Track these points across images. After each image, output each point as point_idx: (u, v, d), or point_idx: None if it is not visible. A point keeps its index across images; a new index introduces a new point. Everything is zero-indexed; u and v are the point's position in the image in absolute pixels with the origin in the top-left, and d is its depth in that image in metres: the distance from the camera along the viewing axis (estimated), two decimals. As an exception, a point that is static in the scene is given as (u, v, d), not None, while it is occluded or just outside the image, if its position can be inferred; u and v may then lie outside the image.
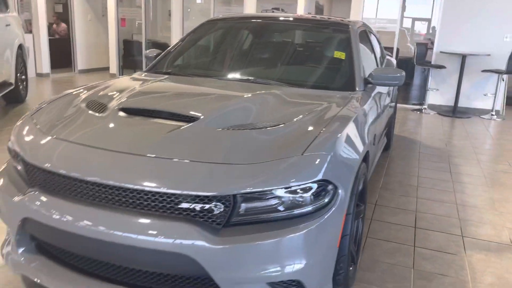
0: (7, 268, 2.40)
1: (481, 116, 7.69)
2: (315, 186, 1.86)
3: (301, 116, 2.27)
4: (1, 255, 2.31)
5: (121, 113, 2.28)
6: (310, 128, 2.14)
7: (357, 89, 2.88)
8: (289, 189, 1.82)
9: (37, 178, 2.04)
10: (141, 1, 10.15)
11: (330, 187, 1.90)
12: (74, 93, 2.71)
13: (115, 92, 2.63)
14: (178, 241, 1.73)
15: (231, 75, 3.15)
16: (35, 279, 2.08)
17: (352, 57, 3.11)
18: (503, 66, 7.48)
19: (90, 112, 2.37)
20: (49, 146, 2.09)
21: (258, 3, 9.31)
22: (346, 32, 3.34)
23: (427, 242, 2.98)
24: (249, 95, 2.55)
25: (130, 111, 2.29)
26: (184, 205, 1.79)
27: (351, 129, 2.24)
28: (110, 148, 1.98)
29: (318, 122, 2.20)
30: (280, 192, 1.81)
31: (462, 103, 7.93)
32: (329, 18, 3.66)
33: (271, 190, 1.80)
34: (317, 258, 1.87)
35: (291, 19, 3.67)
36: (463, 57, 7.63)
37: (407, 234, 3.08)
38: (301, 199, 1.84)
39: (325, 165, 1.90)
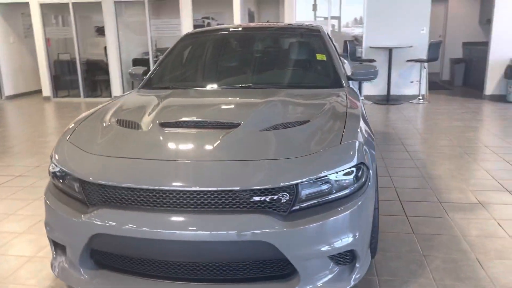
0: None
1: (410, 101, 8.59)
2: (355, 168, 2.19)
3: (319, 112, 2.60)
4: (55, 273, 2.38)
5: (164, 128, 2.44)
6: (334, 121, 2.48)
7: (344, 85, 3.28)
8: (337, 173, 2.14)
9: (103, 195, 2.15)
10: (71, 19, 9.86)
11: (364, 168, 2.25)
12: (96, 114, 2.79)
13: (137, 110, 2.78)
14: (257, 230, 1.97)
15: (230, 84, 3.39)
16: None
17: (332, 58, 3.52)
18: (424, 56, 8.43)
19: (127, 129, 2.50)
20: (112, 164, 2.21)
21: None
22: (319, 36, 3.74)
23: (415, 211, 3.46)
24: (269, 99, 2.83)
25: (170, 125, 2.47)
26: (256, 198, 2.03)
27: (363, 120, 2.61)
28: (174, 159, 2.17)
29: (337, 116, 2.54)
30: (331, 177, 2.12)
31: (393, 91, 8.80)
32: (299, 24, 4.04)
33: (324, 176, 2.10)
34: (362, 229, 2.20)
35: (268, 28, 4.00)
36: (390, 50, 8.49)
37: (396, 207, 3.54)
38: (347, 181, 2.16)
39: (359, 151, 2.25)
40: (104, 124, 2.60)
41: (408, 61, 8.55)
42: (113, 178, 2.14)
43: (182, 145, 2.30)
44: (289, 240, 2.01)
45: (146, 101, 2.99)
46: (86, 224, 2.12)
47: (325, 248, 2.08)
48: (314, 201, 2.10)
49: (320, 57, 3.58)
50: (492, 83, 8.68)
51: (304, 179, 2.06)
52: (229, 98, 3.05)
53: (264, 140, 2.29)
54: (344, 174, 2.16)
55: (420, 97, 8.61)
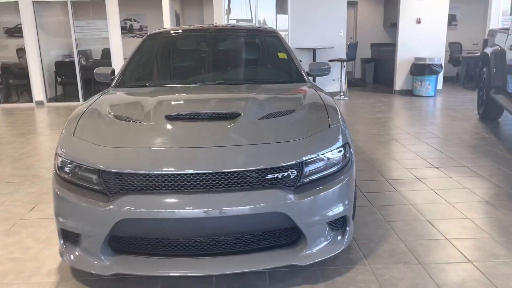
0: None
1: (334, 98, 9.35)
2: (342, 148, 2.61)
3: (300, 103, 2.98)
4: (66, 262, 2.49)
5: (171, 120, 2.64)
6: (316, 110, 2.88)
7: (306, 80, 3.71)
8: (332, 151, 2.54)
9: (125, 183, 2.32)
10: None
11: (348, 147, 2.67)
12: (89, 112, 2.88)
13: (133, 105, 2.94)
14: (274, 203, 2.30)
15: (207, 81, 3.63)
16: (128, 272, 2.36)
17: (291, 57, 3.94)
18: (343, 55, 9.27)
19: (134, 123, 2.66)
20: (132, 155, 2.39)
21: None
22: (276, 37, 4.13)
23: (368, 188, 4.01)
24: (253, 93, 3.17)
25: (175, 117, 2.68)
26: (270, 176, 2.36)
27: (338, 108, 3.05)
28: (194, 145, 2.40)
29: (317, 106, 2.94)
30: (327, 155, 2.51)
31: (318, 89, 9.53)
32: (254, 27, 4.40)
33: (322, 154, 2.49)
34: (350, 198, 2.62)
35: (229, 29, 4.29)
36: (313, 50, 9.20)
37: (352, 186, 4.06)
38: (337, 158, 2.57)
39: (344, 133, 2.67)
40: (107, 120, 2.73)
41: (330, 60, 9.32)
42: (138, 166, 2.32)
43: (195, 134, 2.53)
44: (299, 209, 2.36)
45: (135, 97, 3.15)
46: (111, 212, 2.27)
47: (326, 215, 2.46)
48: (314, 176, 2.48)
49: (281, 55, 3.97)
50: (400, 80, 9.81)
51: (308, 157, 2.43)
52: (215, 93, 3.31)
53: (265, 127, 2.62)
54: (336, 152, 2.56)
55: (342, 94, 9.44)
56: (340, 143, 2.59)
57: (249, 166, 2.33)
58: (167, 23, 9.33)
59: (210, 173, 2.30)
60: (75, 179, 2.46)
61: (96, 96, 3.31)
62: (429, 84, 9.33)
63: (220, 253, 2.45)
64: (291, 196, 2.35)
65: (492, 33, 7.27)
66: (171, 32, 4.21)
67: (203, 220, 2.27)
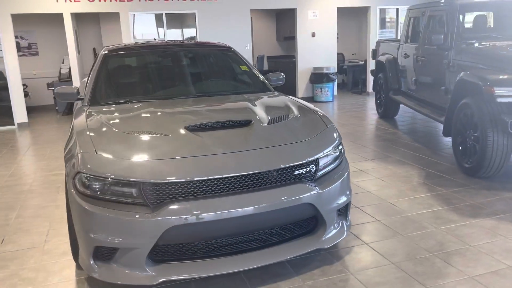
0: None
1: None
2: (340, 144, 3.03)
3: (289, 109, 3.33)
4: (101, 278, 2.50)
5: (191, 131, 2.78)
6: (307, 113, 3.25)
7: (271, 89, 4.08)
8: (337, 148, 2.94)
9: (168, 193, 2.43)
10: None
11: (342, 143, 3.11)
12: (94, 127, 2.89)
13: (137, 121, 3.01)
14: (303, 196, 2.62)
15: (186, 94, 3.74)
16: (173, 278, 2.47)
17: (251, 69, 4.27)
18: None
19: (155, 136, 2.74)
20: (171, 165, 2.49)
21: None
22: (233, 52, 4.43)
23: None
24: (244, 102, 3.46)
25: (194, 128, 2.82)
26: (296, 172, 2.67)
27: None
28: (225, 151, 2.59)
29: (304, 110, 3.32)
30: (331, 151, 2.91)
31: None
32: (208, 42, 4.63)
33: (330, 150, 2.88)
34: (350, 188, 3.05)
35: (190, 45, 4.43)
36: (224, 64, 9.58)
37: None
38: (337, 153, 2.98)
39: (337, 131, 3.10)
40: (123, 135, 2.76)
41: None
42: (179, 175, 2.44)
43: (221, 141, 2.72)
44: (321, 199, 2.71)
45: (132, 113, 3.19)
46: (159, 221, 2.37)
47: (339, 202, 2.85)
48: (324, 170, 2.85)
49: (244, 68, 4.28)
50: (301, 88, 10.73)
51: (322, 153, 2.80)
52: (208, 104, 3.48)
53: (276, 130, 2.92)
54: (337, 148, 2.97)
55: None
56: (339, 140, 3.01)
57: (280, 164, 2.61)
58: (71, 41, 8.90)
59: (246, 175, 2.53)
60: (107, 195, 2.48)
61: (80, 115, 3.26)
62: (327, 91, 10.38)
63: (251, 248, 2.67)
64: (315, 188, 2.69)
65: (380, 44, 8.49)
66: (132, 48, 4.23)
67: (243, 218, 2.48)
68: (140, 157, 2.55)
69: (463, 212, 3.64)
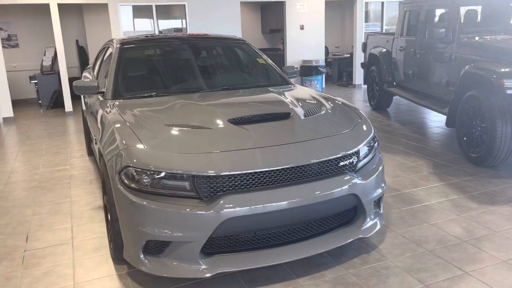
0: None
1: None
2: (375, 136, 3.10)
3: (319, 101, 3.37)
4: (155, 271, 2.49)
5: (235, 124, 2.80)
6: (339, 106, 3.31)
7: (290, 82, 4.11)
8: (374, 138, 3.01)
9: (221, 185, 2.45)
10: None
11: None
12: (133, 121, 2.88)
13: (176, 115, 3.00)
14: (349, 186, 2.67)
15: (209, 87, 3.74)
16: (226, 270, 2.48)
17: (267, 61, 4.29)
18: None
19: (200, 130, 2.74)
20: (223, 158, 2.50)
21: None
22: (248, 44, 4.43)
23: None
24: (276, 95, 3.50)
25: (237, 121, 2.83)
26: (342, 163, 2.72)
27: None
28: (273, 144, 2.61)
29: (334, 102, 3.38)
30: (369, 142, 2.97)
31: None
32: (226, 35, 4.61)
33: (368, 141, 2.94)
34: (384, 180, 3.12)
35: (206, 38, 4.39)
36: (215, 56, 9.53)
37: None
38: (373, 144, 3.04)
39: (371, 123, 3.17)
40: (167, 129, 2.75)
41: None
42: (233, 168, 2.45)
43: (268, 134, 2.73)
44: (364, 189, 2.77)
45: (165, 106, 3.17)
46: (215, 214, 2.37)
47: (377, 193, 2.92)
48: (363, 161, 2.92)
49: (261, 61, 4.29)
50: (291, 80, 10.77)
51: (363, 144, 2.87)
52: (239, 97, 3.49)
53: (316, 123, 2.96)
54: (373, 140, 3.04)
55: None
56: (374, 131, 3.07)
57: (328, 156, 2.66)
58: (58, 33, 8.64)
59: (295, 167, 2.57)
60: (158, 188, 2.46)
61: (109, 108, 3.22)
62: (317, 83, 10.49)
63: (296, 239, 2.71)
64: (359, 179, 2.75)
65: (370, 37, 8.63)
66: (148, 41, 4.17)
67: (293, 210, 2.52)
68: (192, 150, 2.54)
69: (480, 200, 3.79)
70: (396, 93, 7.14)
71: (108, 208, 3.08)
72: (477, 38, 5.11)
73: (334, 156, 2.68)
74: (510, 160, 4.82)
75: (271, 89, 3.75)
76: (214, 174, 2.42)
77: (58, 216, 3.79)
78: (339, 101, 3.42)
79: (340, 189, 2.64)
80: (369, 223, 2.90)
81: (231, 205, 2.40)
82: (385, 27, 11.67)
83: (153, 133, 2.73)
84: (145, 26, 9.65)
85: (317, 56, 10.75)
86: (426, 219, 3.46)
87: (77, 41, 11.35)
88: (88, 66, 6.21)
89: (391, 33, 8.50)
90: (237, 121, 2.85)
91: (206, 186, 2.45)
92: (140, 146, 2.58)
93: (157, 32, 9.79)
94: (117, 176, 2.57)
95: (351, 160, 2.79)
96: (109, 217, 3.13)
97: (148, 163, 2.47)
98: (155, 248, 2.53)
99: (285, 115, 2.99)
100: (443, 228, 3.28)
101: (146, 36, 4.34)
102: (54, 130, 7.45)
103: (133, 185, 2.51)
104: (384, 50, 7.70)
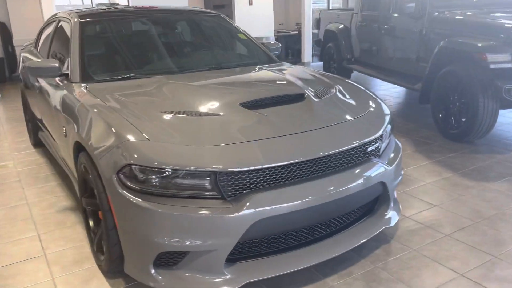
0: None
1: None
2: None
3: (321, 81, 3.07)
4: (163, 285, 2.11)
5: (248, 108, 2.41)
6: (350, 86, 3.03)
7: (277, 60, 3.76)
8: (389, 122, 2.76)
9: (242, 182, 2.08)
10: None
11: None
12: (122, 109, 2.38)
13: (176, 99, 2.55)
14: (379, 174, 2.42)
15: (194, 66, 3.29)
16: (254, 279, 2.14)
17: (249, 37, 3.89)
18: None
19: (208, 117, 2.33)
20: (246, 150, 2.11)
21: None
22: (222, 18, 3.99)
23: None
24: (278, 74, 3.17)
25: (250, 105, 2.45)
26: (369, 149, 2.45)
27: None
28: (297, 132, 2.28)
29: (343, 82, 3.09)
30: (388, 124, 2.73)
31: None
32: (198, 8, 4.11)
33: (389, 122, 2.69)
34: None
35: (176, 10, 3.86)
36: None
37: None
38: (389, 128, 2.80)
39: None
40: (167, 117, 2.31)
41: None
42: (261, 161, 2.09)
43: (288, 119, 2.38)
44: (390, 176, 2.54)
45: (153, 89, 2.72)
46: (243, 217, 2.01)
47: (398, 179, 2.70)
48: (384, 145, 2.67)
49: (242, 36, 3.88)
50: (240, 59, 10.37)
51: (385, 125, 2.62)
52: (236, 77, 3.08)
53: (332, 105, 2.66)
54: (390, 124, 2.79)
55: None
56: (390, 114, 2.83)
57: (358, 140, 2.37)
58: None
59: (326, 156, 2.25)
60: (171, 189, 2.04)
61: (83, 94, 2.69)
62: (268, 61, 10.17)
63: (322, 237, 2.42)
64: (385, 165, 2.50)
65: (324, 13, 8.45)
66: (111, 14, 3.57)
67: (327, 205, 2.22)
68: (208, 142, 2.13)
69: (473, 177, 3.74)
70: (358, 70, 7.03)
71: (90, 212, 2.61)
72: (448, 13, 5.06)
73: (364, 141, 2.40)
74: (487, 136, 4.88)
75: (264, 68, 3.38)
76: (241, 169, 2.04)
77: (17, 223, 3.19)
78: (343, 80, 3.14)
79: (371, 177, 2.37)
80: (391, 212, 2.68)
81: (261, 205, 2.04)
82: (331, 4, 11.59)
83: (152, 122, 2.28)
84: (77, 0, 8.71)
85: (267, 33, 10.40)
86: (430, 200, 3.33)
87: (-4, 16, 10.03)
88: (26, 44, 5.39)
89: (348, 8, 8.37)
90: (251, 105, 2.47)
91: (230, 184, 2.07)
92: (142, 139, 2.13)
93: (94, 6, 8.88)
94: (115, 176, 2.10)
95: (376, 145, 2.53)
96: (91, 223, 2.66)
97: (156, 159, 2.03)
98: (168, 260, 2.12)
99: (299, 97, 2.65)
100: (451, 210, 3.16)
101: (109, 9, 3.74)
102: (-17, 118, 6.50)
103: (137, 187, 2.06)
104: (342, 26, 7.55)
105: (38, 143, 4.86)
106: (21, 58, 5.13)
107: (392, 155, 2.66)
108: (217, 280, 2.09)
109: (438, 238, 2.80)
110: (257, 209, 2.02)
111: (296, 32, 11.71)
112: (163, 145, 2.10)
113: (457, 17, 4.87)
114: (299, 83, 2.92)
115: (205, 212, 1.99)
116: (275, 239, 2.25)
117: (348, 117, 2.54)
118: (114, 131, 2.21)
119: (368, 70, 6.71)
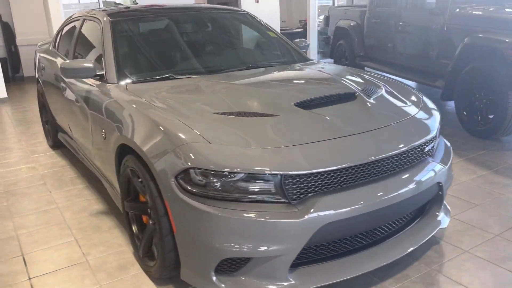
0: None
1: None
2: None
3: (366, 79, 3.00)
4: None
5: (304, 108, 2.35)
6: (390, 83, 2.96)
7: (309, 58, 3.69)
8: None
9: (307, 185, 2.01)
10: None
11: None
12: (175, 111, 2.32)
13: (225, 100, 2.48)
14: (436, 174, 2.36)
15: (233, 65, 3.21)
16: (319, 285, 2.07)
17: (279, 35, 3.83)
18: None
19: (263, 118, 2.25)
20: (311, 152, 2.05)
21: None
22: (251, 15, 3.92)
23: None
24: (323, 73, 3.12)
25: (305, 105, 2.38)
26: (427, 148, 2.39)
27: None
28: (359, 132, 2.21)
29: (388, 81, 3.02)
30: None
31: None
32: (222, 6, 4.03)
33: (440, 121, 2.63)
34: None
35: (205, 8, 3.77)
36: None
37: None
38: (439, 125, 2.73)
39: None
40: (224, 118, 2.24)
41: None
42: (330, 162, 2.02)
43: (348, 119, 2.31)
44: (445, 176, 2.48)
45: (197, 89, 2.67)
46: (311, 221, 1.94)
47: (450, 180, 2.64)
48: (434, 144, 2.61)
49: (272, 34, 3.80)
50: (246, 57, 10.29)
51: (438, 124, 2.56)
52: (279, 76, 3.02)
53: (385, 103, 2.60)
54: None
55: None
56: (439, 112, 2.76)
57: (418, 140, 2.31)
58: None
59: (389, 156, 2.19)
60: (234, 193, 1.97)
61: (127, 95, 2.62)
62: (275, 59, 10.10)
63: (380, 239, 2.35)
64: (442, 164, 2.44)
65: (333, 10, 8.40)
66: (142, 13, 3.48)
67: (391, 207, 2.16)
68: (270, 143, 2.06)
69: (508, 174, 3.70)
70: (371, 67, 6.97)
71: (133, 216, 2.54)
72: (470, 9, 5.01)
73: (423, 140, 2.34)
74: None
75: (304, 66, 3.31)
76: (308, 172, 1.97)
77: (52, 228, 3.10)
78: (386, 78, 3.07)
79: (431, 177, 2.31)
80: (443, 212, 2.63)
81: (327, 208, 1.97)
82: (336, 1, 11.54)
83: (207, 123, 2.20)
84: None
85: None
86: (470, 199, 3.28)
87: None
88: (40, 44, 5.27)
89: (359, 5, 8.32)
90: (305, 105, 2.40)
91: (295, 187, 2.00)
92: (202, 141, 2.05)
93: (101, 5, 8.77)
94: (174, 180, 2.03)
95: (432, 144, 2.47)
96: (134, 228, 2.59)
97: (219, 162, 1.96)
98: (230, 266, 2.05)
99: (350, 96, 2.59)
100: (494, 209, 3.12)
101: (138, 8, 3.65)
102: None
103: (198, 191, 1.99)
104: (354, 23, 7.49)
105: (57, 145, 4.76)
106: (37, 59, 5.02)
107: (443, 154, 2.59)
108: (281, 286, 2.02)
109: (488, 239, 2.75)
110: (324, 213, 1.96)
111: (301, 29, 11.65)
112: (225, 147, 2.03)
113: (480, 13, 4.82)
114: (345, 81, 2.85)
115: (270, 217, 1.92)
116: (335, 243, 2.18)
117: (405, 116, 2.47)
118: (170, 133, 2.13)
119: (383, 66, 6.66)
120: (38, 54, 4.98)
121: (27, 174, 4.15)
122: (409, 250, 2.32)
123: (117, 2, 9.49)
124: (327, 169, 2.00)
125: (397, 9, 6.25)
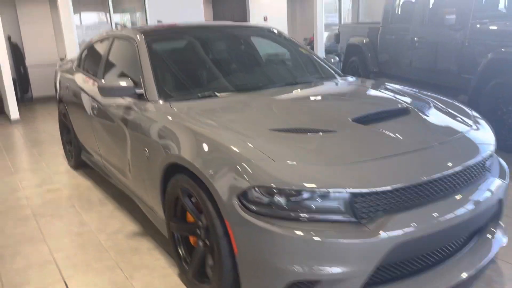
0: None
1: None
2: None
3: (408, 94, 2.96)
4: None
5: (363, 124, 2.29)
6: (434, 97, 2.93)
7: (342, 73, 3.67)
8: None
9: (380, 202, 1.94)
10: None
11: None
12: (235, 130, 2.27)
13: (277, 117, 2.43)
14: (499, 190, 2.29)
15: (271, 83, 3.19)
16: None
17: (309, 51, 3.81)
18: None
19: (322, 134, 2.20)
20: (378, 168, 1.98)
21: None
22: (281, 33, 3.91)
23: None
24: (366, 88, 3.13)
25: (363, 120, 2.33)
26: (488, 162, 2.34)
27: None
28: (424, 147, 2.15)
29: (417, 91, 3.00)
30: (491, 136, 2.62)
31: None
32: (250, 24, 4.02)
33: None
34: None
35: (235, 26, 3.77)
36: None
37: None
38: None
39: None
40: (287, 135, 2.18)
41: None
42: (399, 179, 1.95)
43: (407, 134, 2.25)
44: (505, 192, 2.40)
45: (245, 106, 2.62)
46: (383, 241, 1.87)
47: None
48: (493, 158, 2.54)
49: (304, 51, 3.79)
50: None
51: (493, 138, 2.50)
52: (323, 92, 3.01)
53: (438, 118, 2.55)
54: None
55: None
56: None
57: (480, 155, 2.26)
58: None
59: (455, 173, 2.13)
60: (300, 212, 1.89)
61: (172, 114, 2.57)
62: (284, 77, 10.13)
63: (443, 257, 2.26)
64: (503, 180, 2.38)
65: (344, 28, 8.45)
66: (175, 31, 3.48)
67: (461, 224, 2.09)
68: (335, 161, 2.00)
69: (547, 189, 3.63)
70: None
71: (179, 238, 2.47)
72: (491, 24, 5.02)
73: (485, 154, 2.29)
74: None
75: (344, 81, 3.29)
76: (380, 190, 1.90)
77: (88, 250, 3.00)
78: (430, 94, 3.04)
79: (494, 193, 2.25)
80: (499, 229, 2.55)
81: (398, 227, 1.90)
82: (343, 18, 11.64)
83: (265, 140, 2.14)
84: (93, 19, 8.62)
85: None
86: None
87: (9, 37, 9.90)
88: (60, 64, 5.24)
89: (370, 22, 8.38)
90: (363, 120, 2.35)
91: (365, 206, 1.93)
92: (265, 158, 1.99)
93: (113, 26, 8.81)
94: (236, 200, 1.96)
95: (491, 159, 2.42)
96: (180, 250, 2.51)
97: (285, 180, 1.89)
98: None
99: (403, 111, 2.54)
100: (542, 224, 3.05)
101: (172, 27, 3.64)
102: (7, 142, 6.29)
103: (262, 210, 1.92)
104: (367, 39, 7.52)
105: (79, 165, 4.68)
106: (58, 79, 4.98)
107: (499, 170, 2.53)
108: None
109: (543, 254, 2.68)
110: (395, 233, 1.88)
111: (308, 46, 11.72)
112: (290, 164, 1.96)
113: (503, 28, 4.84)
114: (393, 96, 2.81)
115: (341, 237, 1.85)
116: (402, 262, 2.10)
117: (462, 130, 2.43)
118: (229, 151, 2.07)
119: (399, 82, 6.65)
120: (59, 73, 4.94)
121: (53, 195, 4.06)
122: (477, 268, 2.23)
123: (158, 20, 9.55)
124: (400, 186, 1.94)
125: (413, 25, 6.28)
